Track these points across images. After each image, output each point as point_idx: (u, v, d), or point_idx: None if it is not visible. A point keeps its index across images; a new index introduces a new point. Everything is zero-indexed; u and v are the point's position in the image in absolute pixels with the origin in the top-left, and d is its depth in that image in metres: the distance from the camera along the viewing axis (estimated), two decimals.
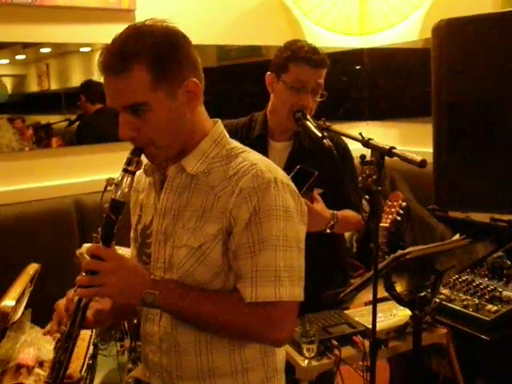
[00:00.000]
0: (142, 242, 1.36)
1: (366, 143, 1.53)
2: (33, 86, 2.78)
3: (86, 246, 2.22)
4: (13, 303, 1.93)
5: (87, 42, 2.79)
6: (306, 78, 1.88)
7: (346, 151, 2.05)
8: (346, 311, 2.00)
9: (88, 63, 2.89)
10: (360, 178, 2.89)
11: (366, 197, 3.21)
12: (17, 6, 2.50)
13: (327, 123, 1.78)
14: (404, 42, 3.33)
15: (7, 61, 2.72)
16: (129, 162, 1.22)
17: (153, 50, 1.14)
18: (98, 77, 2.69)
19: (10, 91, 2.73)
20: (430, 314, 2.03)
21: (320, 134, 1.71)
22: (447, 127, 1.87)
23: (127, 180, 1.21)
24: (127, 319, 2.10)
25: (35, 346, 2.28)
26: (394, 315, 1.95)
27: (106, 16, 2.74)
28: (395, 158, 1.51)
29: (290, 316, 1.21)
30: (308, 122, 1.80)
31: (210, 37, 3.10)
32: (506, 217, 1.99)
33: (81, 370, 2.12)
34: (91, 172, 2.73)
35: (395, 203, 2.79)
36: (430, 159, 1.59)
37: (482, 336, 1.94)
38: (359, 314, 1.99)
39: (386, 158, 1.51)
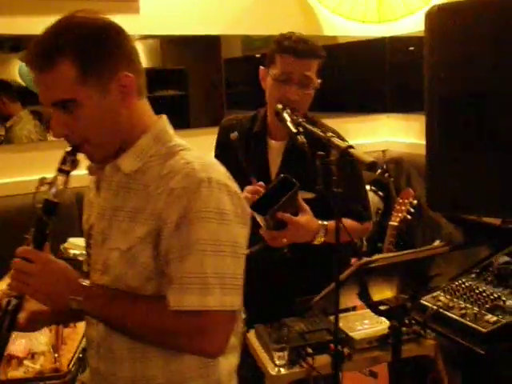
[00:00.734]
0: (87, 243, 1.31)
1: (327, 140, 1.41)
2: None
3: (71, 240, 2.21)
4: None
5: None
6: (291, 69, 1.77)
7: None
8: (331, 317, 1.90)
9: None
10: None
11: (380, 193, 3.10)
12: None
13: (300, 119, 1.65)
14: None
15: None
16: (63, 161, 1.17)
17: (79, 44, 1.08)
18: None
19: None
20: (422, 323, 1.91)
21: (295, 130, 1.60)
22: (439, 123, 1.72)
23: (61, 180, 1.17)
24: (74, 321, 2.06)
25: (28, 337, 2.29)
26: (380, 323, 1.83)
27: (109, 7, 2.70)
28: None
29: (222, 326, 1.12)
30: (286, 116, 1.68)
31: (219, 27, 3.03)
32: None
33: (68, 364, 2.11)
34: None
35: (406, 201, 2.67)
36: None
37: (476, 349, 1.79)
38: (345, 320, 1.89)
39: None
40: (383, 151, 3.56)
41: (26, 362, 2.14)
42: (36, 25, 1.22)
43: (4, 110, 2.85)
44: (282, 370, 1.63)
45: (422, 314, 1.99)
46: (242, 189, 1.85)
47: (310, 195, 1.74)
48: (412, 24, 3.22)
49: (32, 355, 2.16)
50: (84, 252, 1.39)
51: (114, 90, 1.13)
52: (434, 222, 2.60)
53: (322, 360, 1.66)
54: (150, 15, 2.83)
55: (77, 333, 2.23)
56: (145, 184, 1.16)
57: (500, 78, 1.56)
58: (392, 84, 3.51)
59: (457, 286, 2.10)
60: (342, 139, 1.56)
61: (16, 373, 2.10)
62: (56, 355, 2.15)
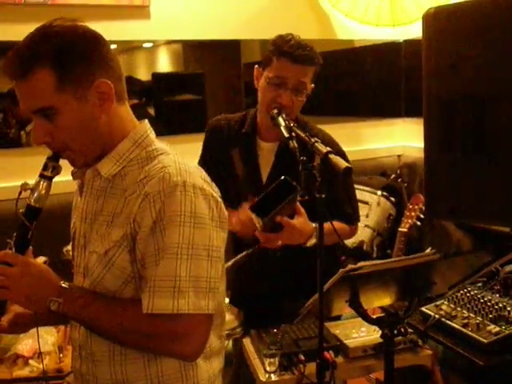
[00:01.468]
0: (72, 246, 1.33)
1: (311, 145, 1.40)
2: None
3: None
4: None
5: None
6: (287, 73, 1.76)
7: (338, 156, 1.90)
8: (330, 323, 1.88)
9: None
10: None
11: (392, 199, 3.05)
12: (30, 5, 2.56)
13: (292, 124, 1.64)
14: None
15: None
16: (45, 167, 1.20)
17: (56, 52, 1.10)
18: None
19: None
20: (422, 332, 1.87)
21: (287, 135, 1.59)
22: (438, 126, 1.69)
23: (43, 185, 1.19)
24: (59, 323, 2.08)
25: (35, 337, 2.32)
26: (377, 331, 1.80)
27: (118, 13, 2.75)
28: None
29: (197, 329, 1.12)
30: (280, 121, 1.68)
31: (230, 32, 3.03)
32: None
33: None
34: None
35: (416, 207, 2.62)
36: None
37: (475, 360, 1.74)
38: (342, 327, 1.86)
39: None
40: (398, 156, 3.51)
41: (31, 362, 2.18)
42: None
43: (24, 114, 2.92)
44: (273, 377, 1.62)
45: (423, 323, 1.95)
46: (235, 195, 1.85)
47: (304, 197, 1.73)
48: None
49: (38, 355, 2.20)
50: None
51: (92, 96, 1.14)
52: (443, 229, 2.54)
53: (314, 367, 1.64)
54: (160, 21, 2.85)
55: None
56: (123, 188, 1.18)
57: (498, 80, 1.53)
58: (408, 88, 3.45)
59: (462, 294, 2.04)
60: (328, 143, 1.54)
61: (21, 372, 2.14)
62: (61, 355, 2.19)
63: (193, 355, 1.16)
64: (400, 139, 3.55)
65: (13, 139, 2.71)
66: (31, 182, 1.22)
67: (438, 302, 2.02)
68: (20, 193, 1.21)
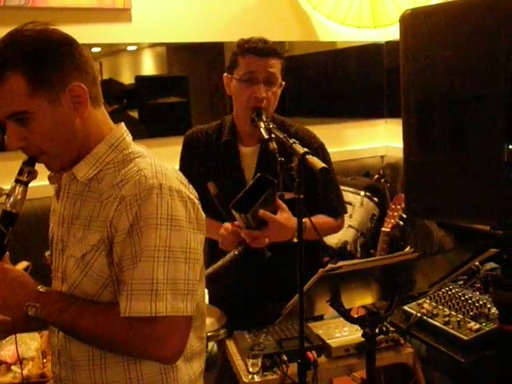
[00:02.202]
0: (50, 250, 1.32)
1: (289, 147, 1.41)
2: None
3: None
4: None
5: (83, 43, 2.80)
6: (255, 68, 1.79)
7: (318, 152, 1.91)
8: (313, 323, 1.89)
9: None
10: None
11: (375, 199, 3.07)
12: (9, 8, 2.54)
13: (271, 125, 1.66)
14: None
15: None
16: (20, 172, 1.19)
17: (26, 57, 1.09)
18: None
19: None
20: (404, 330, 1.89)
21: (266, 136, 1.61)
22: (415, 126, 1.70)
23: (19, 190, 1.18)
24: (38, 329, 2.06)
25: (18, 342, 2.30)
26: (360, 331, 1.81)
27: (100, 16, 2.74)
28: None
29: (175, 332, 1.12)
30: (260, 123, 1.69)
31: (212, 34, 3.03)
32: None
33: None
34: None
35: (398, 207, 2.63)
36: None
37: (457, 357, 1.76)
38: (326, 326, 1.87)
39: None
40: (382, 156, 3.53)
41: (13, 368, 2.16)
42: None
43: None
44: (256, 378, 1.62)
45: (406, 321, 1.97)
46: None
47: (288, 195, 1.74)
48: None
49: (21, 361, 2.18)
50: None
51: (66, 100, 1.14)
52: (425, 228, 2.56)
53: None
54: (142, 23, 2.85)
55: None
56: (100, 192, 1.17)
57: (474, 81, 1.54)
58: (390, 89, 3.48)
59: (443, 293, 2.06)
60: (308, 140, 1.56)
61: (4, 378, 2.12)
62: (44, 360, 2.17)
63: (172, 358, 1.15)
64: (383, 140, 3.58)
65: None
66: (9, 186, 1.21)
67: (419, 301, 2.04)
68: None
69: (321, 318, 1.99)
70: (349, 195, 2.99)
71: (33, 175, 1.20)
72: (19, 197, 1.18)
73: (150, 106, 3.14)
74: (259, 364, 1.63)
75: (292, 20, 3.24)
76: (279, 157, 1.44)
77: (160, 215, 1.10)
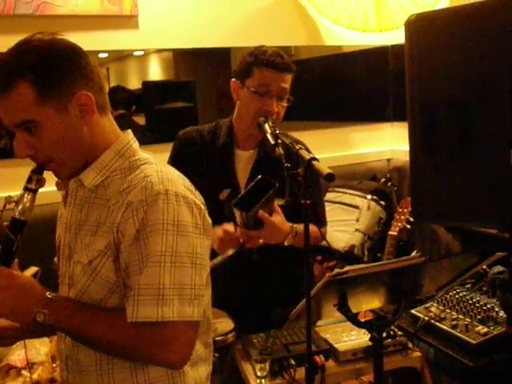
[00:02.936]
0: (57, 257, 1.34)
1: (296, 152, 1.42)
2: None
3: None
4: None
5: (90, 50, 2.82)
6: (270, 82, 1.80)
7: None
8: (321, 327, 1.89)
9: None
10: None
11: (382, 203, 3.06)
12: (18, 17, 2.57)
13: (278, 130, 1.67)
14: None
15: None
16: (29, 180, 1.21)
17: (36, 66, 1.11)
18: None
19: None
20: (412, 334, 1.89)
21: (273, 142, 1.62)
22: (421, 130, 1.71)
23: (27, 198, 1.20)
24: (46, 335, 2.06)
25: (28, 347, 2.32)
26: (367, 335, 1.81)
27: (108, 23, 2.76)
28: None
29: (182, 336, 1.13)
30: (267, 128, 1.70)
31: (218, 40, 3.05)
32: None
33: None
34: None
35: (405, 210, 2.63)
36: None
37: (465, 361, 1.76)
38: (333, 331, 1.88)
39: None
40: (388, 160, 3.53)
41: (24, 372, 2.18)
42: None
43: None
44: (264, 382, 1.63)
45: (413, 325, 1.97)
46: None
47: (280, 202, 1.76)
48: None
49: (31, 365, 2.19)
50: None
51: (73, 109, 1.15)
52: (433, 232, 2.56)
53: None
54: (149, 30, 2.87)
55: None
56: (106, 198, 1.19)
57: (479, 85, 1.54)
58: (396, 92, 3.48)
59: (451, 296, 2.06)
60: (308, 151, 1.58)
61: (14, 383, 2.14)
62: (54, 365, 2.19)
63: (179, 363, 1.16)
64: (389, 143, 3.58)
65: (4, 149, 2.72)
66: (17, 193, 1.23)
67: (427, 304, 2.04)
68: (4, 206, 1.22)
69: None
70: (356, 199, 3.00)
71: (41, 183, 1.21)
72: (28, 204, 1.20)
73: (157, 111, 3.16)
74: (267, 368, 1.63)
75: (298, 24, 3.25)
76: (285, 162, 1.45)
77: (166, 221, 1.11)
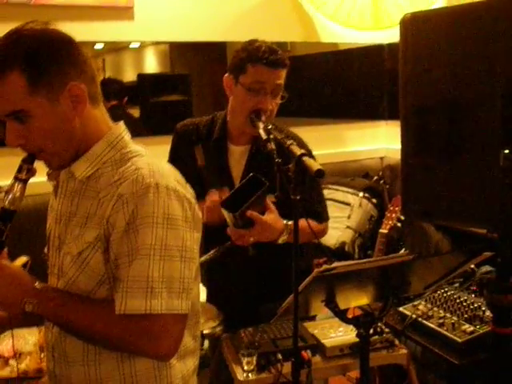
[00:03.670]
0: (47, 247, 1.34)
1: (287, 148, 1.42)
2: None
3: None
4: None
5: (85, 41, 2.81)
6: (264, 78, 1.78)
7: (312, 156, 1.92)
8: (308, 322, 1.90)
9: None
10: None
11: (373, 200, 3.08)
12: (13, 5, 2.55)
13: (270, 125, 1.67)
14: None
15: None
16: (19, 170, 1.20)
17: (27, 56, 1.10)
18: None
19: None
20: (398, 332, 1.91)
21: (265, 136, 1.62)
22: (413, 129, 1.72)
23: (17, 188, 1.19)
24: (34, 324, 2.06)
25: (16, 337, 2.31)
26: (354, 331, 1.82)
27: (103, 14, 2.75)
28: None
29: (170, 329, 1.13)
30: (259, 123, 1.70)
31: (214, 33, 3.04)
32: None
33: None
34: None
35: (396, 208, 2.64)
36: None
37: (451, 359, 1.78)
38: (321, 326, 1.89)
39: None
40: (381, 158, 3.54)
41: (11, 362, 2.17)
42: None
43: None
44: (251, 376, 1.64)
45: (401, 323, 1.99)
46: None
47: (272, 198, 1.76)
48: None
49: (19, 355, 2.19)
50: None
51: (64, 99, 1.15)
52: (423, 230, 2.57)
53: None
54: (145, 22, 2.86)
55: None
56: (97, 190, 1.19)
57: (471, 86, 1.55)
58: (391, 91, 3.49)
59: (438, 295, 2.08)
60: (302, 146, 1.57)
61: (1, 372, 2.13)
62: (42, 355, 2.19)
63: (167, 355, 1.16)
64: (383, 141, 3.59)
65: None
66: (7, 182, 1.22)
67: (415, 302, 2.06)
68: None
69: (313, 318, 2.00)
70: (348, 196, 3.01)
71: (32, 173, 1.21)
72: (18, 194, 1.19)
73: (153, 103, 3.15)
74: (254, 362, 1.64)
75: (294, 21, 3.25)
76: (277, 157, 1.45)
77: (156, 214, 1.11)
